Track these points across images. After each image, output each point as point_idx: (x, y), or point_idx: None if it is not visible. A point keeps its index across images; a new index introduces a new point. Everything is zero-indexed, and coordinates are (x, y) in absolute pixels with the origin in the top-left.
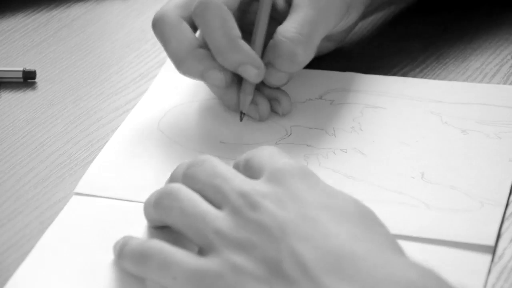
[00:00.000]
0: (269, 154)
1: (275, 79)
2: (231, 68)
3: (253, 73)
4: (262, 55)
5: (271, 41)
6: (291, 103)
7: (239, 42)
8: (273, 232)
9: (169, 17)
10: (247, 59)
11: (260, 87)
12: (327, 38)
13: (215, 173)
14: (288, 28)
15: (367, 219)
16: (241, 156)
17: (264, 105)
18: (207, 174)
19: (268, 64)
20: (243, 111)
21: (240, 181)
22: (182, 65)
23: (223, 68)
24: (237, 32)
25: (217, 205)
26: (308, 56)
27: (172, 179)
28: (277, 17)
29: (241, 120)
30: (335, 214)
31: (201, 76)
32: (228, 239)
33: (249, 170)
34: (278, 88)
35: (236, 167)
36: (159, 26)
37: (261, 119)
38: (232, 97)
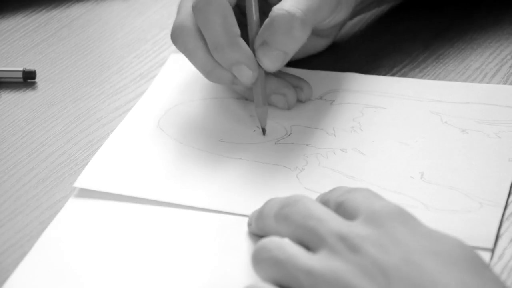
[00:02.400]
0: (363, 196)
1: (270, 59)
2: (226, 66)
3: (247, 73)
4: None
5: (267, 20)
6: (311, 89)
7: (238, 41)
8: (375, 278)
9: (188, 27)
10: (243, 59)
11: (281, 76)
12: (317, 33)
13: (309, 214)
14: (284, 3)
15: (475, 264)
16: (330, 194)
17: (291, 94)
18: (301, 215)
19: (263, 44)
20: (264, 126)
21: (337, 223)
22: (212, 74)
23: (252, 65)
24: (237, 29)
25: (312, 247)
26: (304, 33)
27: (262, 217)
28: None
29: (264, 134)
30: (442, 260)
31: (231, 82)
32: (324, 281)
33: (343, 213)
34: (297, 77)
35: (325, 204)
36: (181, 39)
37: (289, 108)
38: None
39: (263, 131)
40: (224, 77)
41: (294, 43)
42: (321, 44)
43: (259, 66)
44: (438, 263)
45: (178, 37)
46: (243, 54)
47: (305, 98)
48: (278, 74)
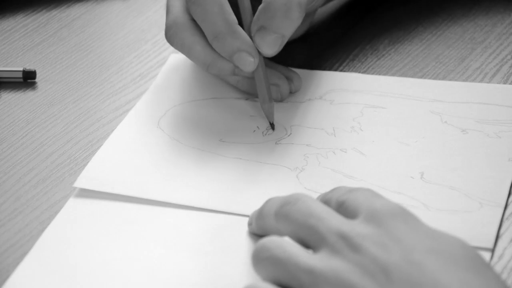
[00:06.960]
0: (364, 195)
1: (269, 43)
2: (226, 55)
3: (248, 61)
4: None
5: (262, 4)
6: (301, 80)
7: (237, 28)
8: (376, 277)
9: (182, 23)
10: (244, 46)
11: (272, 67)
12: None
13: (310, 213)
14: None
15: (476, 263)
16: (331, 193)
17: (284, 85)
18: (301, 213)
19: (260, 29)
20: (272, 121)
21: (337, 221)
22: (212, 67)
23: (252, 52)
24: (234, 17)
25: (312, 246)
26: (301, 14)
27: (262, 215)
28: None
29: (273, 129)
30: (443, 259)
31: (232, 72)
32: (325, 280)
33: (344, 212)
34: (287, 68)
35: (327, 203)
36: (177, 36)
37: (282, 99)
38: (244, 80)
39: (272, 126)
40: (225, 68)
41: (292, 25)
42: (300, 31)
43: (260, 59)
44: (439, 262)
45: (174, 35)
46: (243, 41)
47: (295, 89)
48: (269, 65)
